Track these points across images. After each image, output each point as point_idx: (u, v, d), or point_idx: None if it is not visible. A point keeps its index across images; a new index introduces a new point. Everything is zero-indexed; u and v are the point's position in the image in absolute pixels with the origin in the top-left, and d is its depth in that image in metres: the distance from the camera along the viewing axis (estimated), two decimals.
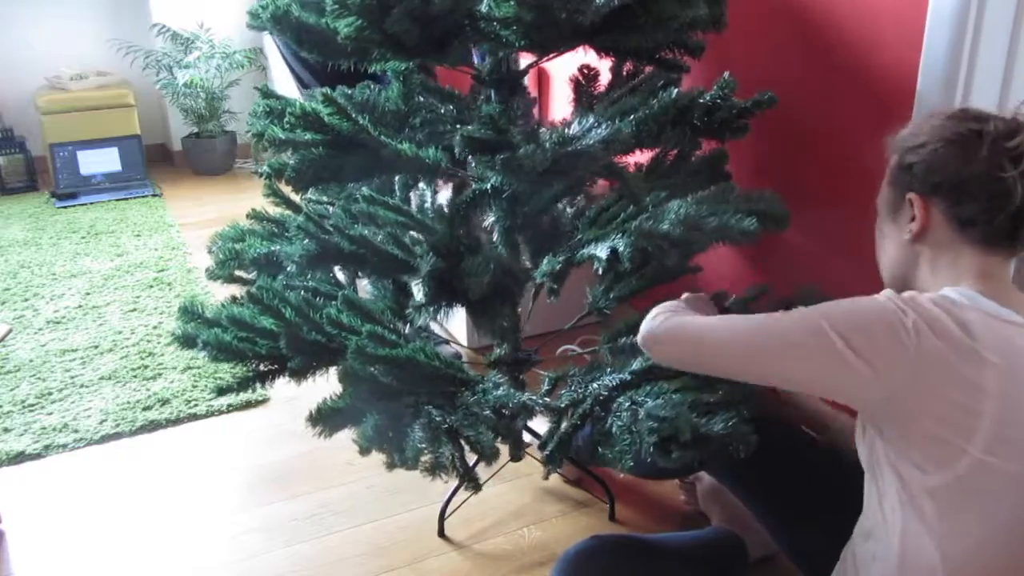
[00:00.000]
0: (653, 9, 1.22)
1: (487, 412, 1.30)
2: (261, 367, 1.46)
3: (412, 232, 1.51)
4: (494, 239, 1.48)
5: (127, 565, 1.64)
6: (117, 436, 2.06)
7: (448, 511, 1.70)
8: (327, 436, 1.36)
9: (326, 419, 1.36)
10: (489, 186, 1.36)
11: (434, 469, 1.27)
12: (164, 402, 2.17)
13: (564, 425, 1.33)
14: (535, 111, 2.74)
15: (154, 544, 1.70)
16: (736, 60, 1.95)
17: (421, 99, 1.53)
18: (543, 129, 1.33)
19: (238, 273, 1.57)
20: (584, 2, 1.18)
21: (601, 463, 1.33)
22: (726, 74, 1.48)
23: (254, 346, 1.43)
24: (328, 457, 1.92)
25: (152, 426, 2.09)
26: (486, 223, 1.49)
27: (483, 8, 1.21)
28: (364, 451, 1.32)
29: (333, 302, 1.44)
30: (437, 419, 1.31)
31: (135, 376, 2.30)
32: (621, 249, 1.25)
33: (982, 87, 1.45)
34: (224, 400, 2.14)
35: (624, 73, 1.61)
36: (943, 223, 1.03)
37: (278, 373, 1.47)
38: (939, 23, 1.45)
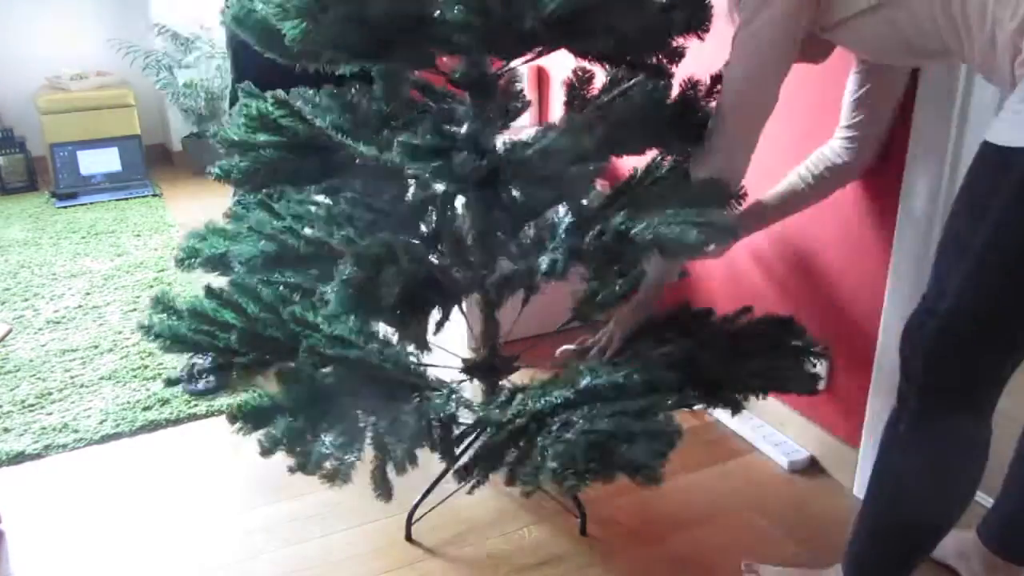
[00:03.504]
0: (601, 16, 1.21)
1: (428, 420, 1.28)
2: (220, 360, 1.45)
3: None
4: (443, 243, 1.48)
5: (127, 565, 1.64)
6: (117, 436, 2.06)
7: (416, 515, 1.70)
8: (246, 434, 1.34)
9: (247, 417, 1.33)
10: (442, 191, 1.36)
11: (332, 477, 1.26)
12: (164, 402, 2.17)
13: (486, 439, 1.31)
14: (527, 112, 2.75)
15: (154, 544, 1.70)
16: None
17: (413, 99, 1.51)
18: (503, 136, 1.32)
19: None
20: (526, 7, 1.16)
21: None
22: (690, 77, 1.46)
23: (214, 339, 1.42)
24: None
25: (152, 426, 2.09)
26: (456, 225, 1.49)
27: (436, 13, 1.19)
28: (265, 452, 1.30)
29: (304, 299, 1.43)
30: (361, 424, 1.30)
31: (135, 376, 2.30)
32: (558, 261, 1.31)
33: (982, 87, 1.45)
34: (224, 400, 2.15)
35: (619, 77, 1.58)
36: None
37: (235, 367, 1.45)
38: None
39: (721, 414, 2.07)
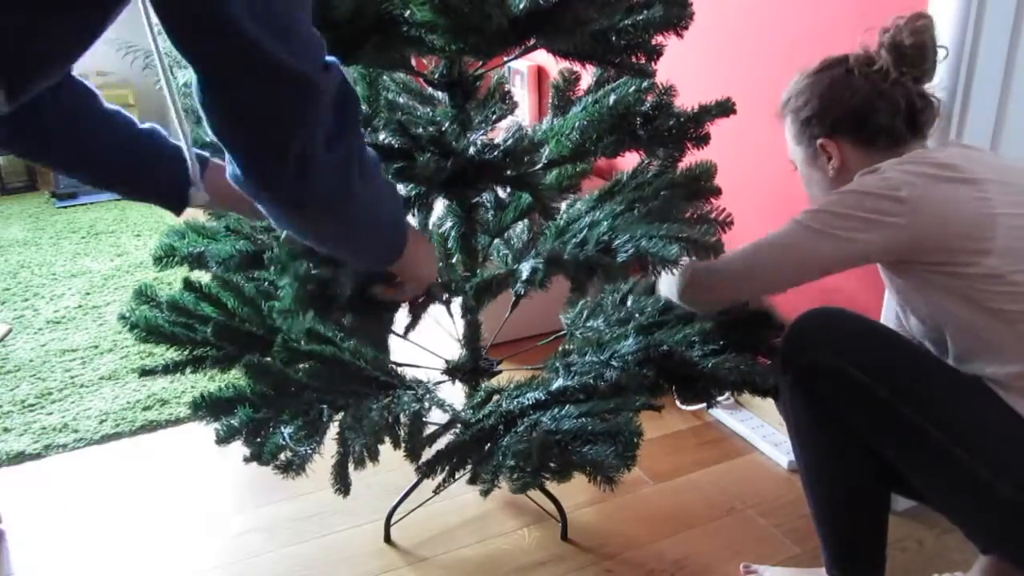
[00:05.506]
0: (567, 14, 1.18)
1: (394, 417, 1.28)
2: (196, 352, 1.45)
3: None
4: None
5: (127, 565, 1.65)
6: (117, 436, 2.06)
7: (395, 518, 1.69)
8: (206, 424, 1.34)
9: (208, 406, 1.33)
10: (414, 193, 1.35)
11: (286, 468, 1.26)
12: (164, 402, 2.17)
13: (453, 438, 1.31)
14: (527, 113, 2.75)
15: (154, 544, 1.70)
16: (729, 64, 1.95)
17: (402, 100, 1.51)
18: (475, 136, 1.30)
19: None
20: (494, 5, 1.15)
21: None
22: (664, 81, 1.44)
23: (192, 332, 1.41)
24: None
25: (152, 426, 2.09)
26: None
27: (406, 13, 1.18)
28: (221, 440, 1.29)
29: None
30: (325, 419, 1.29)
31: (135, 376, 2.30)
32: (539, 270, 1.32)
33: (981, 87, 1.45)
34: None
35: (605, 78, 1.56)
36: (855, 150, 1.28)
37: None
38: (938, 23, 1.45)
39: (721, 414, 2.07)
